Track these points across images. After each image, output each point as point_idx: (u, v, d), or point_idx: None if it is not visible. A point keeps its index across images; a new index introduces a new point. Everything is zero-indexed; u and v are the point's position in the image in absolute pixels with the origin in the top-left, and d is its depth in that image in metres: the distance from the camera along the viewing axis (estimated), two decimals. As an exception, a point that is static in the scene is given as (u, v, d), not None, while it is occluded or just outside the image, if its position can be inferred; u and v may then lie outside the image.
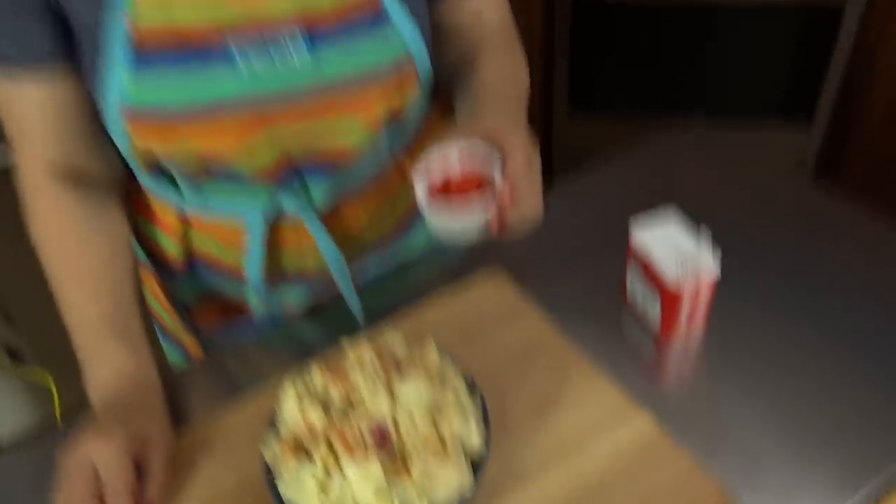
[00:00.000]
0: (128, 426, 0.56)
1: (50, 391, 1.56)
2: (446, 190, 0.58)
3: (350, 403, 0.52)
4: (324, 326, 0.75)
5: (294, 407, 0.52)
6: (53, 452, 0.56)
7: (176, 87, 0.56)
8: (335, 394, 0.51)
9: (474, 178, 0.57)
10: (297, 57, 0.58)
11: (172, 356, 0.84)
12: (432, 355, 0.55)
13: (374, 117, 0.63)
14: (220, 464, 0.60)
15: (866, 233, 0.79)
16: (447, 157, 0.58)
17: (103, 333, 0.62)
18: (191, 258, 0.73)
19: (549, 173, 0.66)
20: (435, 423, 0.50)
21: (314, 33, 0.58)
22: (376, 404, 0.50)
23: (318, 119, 0.61)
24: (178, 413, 0.65)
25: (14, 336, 1.56)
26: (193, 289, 0.75)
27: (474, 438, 0.51)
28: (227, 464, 0.60)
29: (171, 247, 0.72)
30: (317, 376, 0.53)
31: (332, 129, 0.63)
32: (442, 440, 0.50)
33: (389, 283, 0.78)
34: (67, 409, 1.49)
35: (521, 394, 0.62)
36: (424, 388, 0.51)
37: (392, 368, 0.53)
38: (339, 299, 0.75)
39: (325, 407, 0.52)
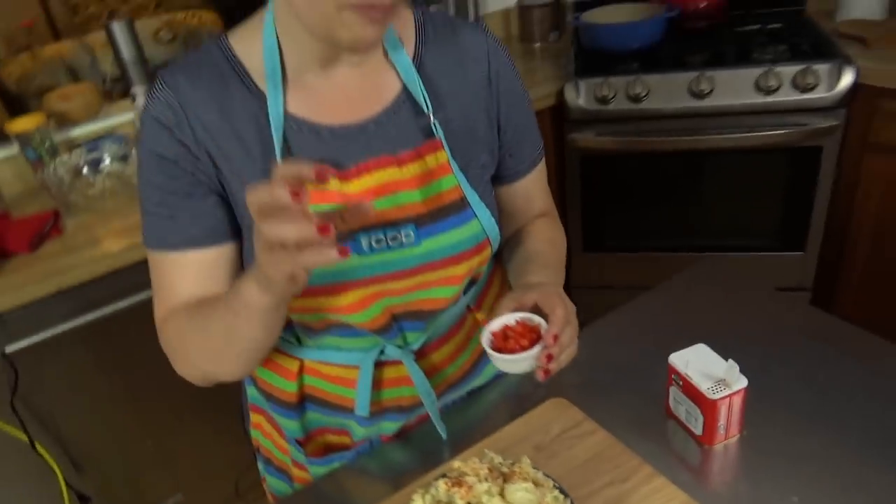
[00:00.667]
0: None
1: None
2: (506, 340, 0.75)
3: (470, 505, 0.65)
4: (412, 449, 0.88)
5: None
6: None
7: (319, 270, 0.74)
8: (459, 501, 0.64)
9: (528, 333, 0.75)
10: (408, 245, 0.77)
11: (277, 486, 0.97)
12: (528, 467, 0.69)
13: (459, 282, 0.82)
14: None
15: (864, 347, 0.94)
16: (508, 319, 0.75)
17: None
18: (303, 396, 0.88)
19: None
20: (539, 517, 0.63)
21: (420, 226, 0.77)
22: (493, 504, 0.64)
23: (419, 287, 0.80)
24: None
25: (84, 484, 1.67)
26: (302, 423, 0.90)
27: (569, 526, 0.64)
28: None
29: (287, 387, 0.87)
30: (442, 487, 0.67)
31: (429, 293, 0.80)
32: (545, 530, 0.63)
33: (466, 411, 0.92)
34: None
35: (594, 497, 0.75)
36: (530, 491, 0.64)
37: (500, 478, 0.67)
38: (424, 424, 0.89)
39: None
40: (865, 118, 1.83)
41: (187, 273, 0.76)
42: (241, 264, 0.79)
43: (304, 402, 0.89)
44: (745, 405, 0.80)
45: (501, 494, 0.65)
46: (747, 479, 0.78)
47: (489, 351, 0.74)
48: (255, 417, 0.98)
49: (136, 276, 1.50)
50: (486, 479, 0.66)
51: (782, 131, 1.85)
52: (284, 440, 0.93)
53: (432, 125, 0.78)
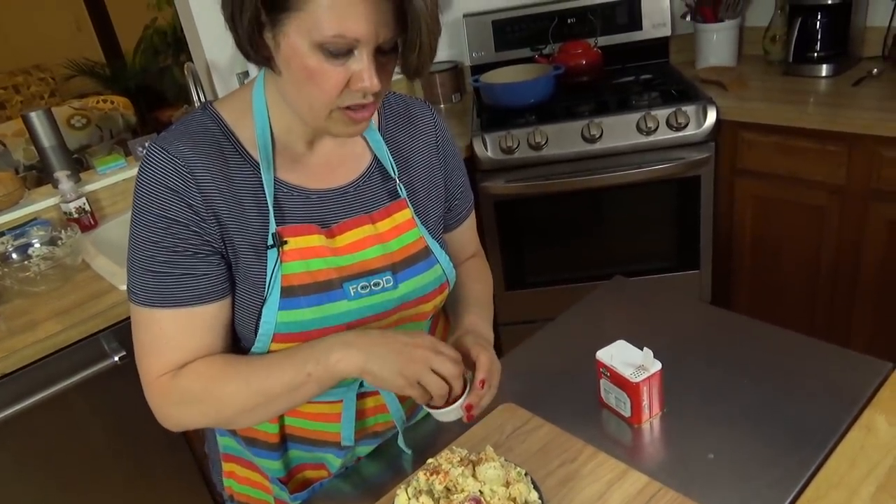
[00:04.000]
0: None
1: None
2: None
3: (448, 490, 0.75)
4: (383, 465, 0.98)
5: (410, 500, 0.75)
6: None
7: (311, 314, 0.84)
8: (438, 485, 0.75)
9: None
10: (387, 289, 0.89)
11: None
12: (492, 453, 0.81)
13: (427, 317, 0.94)
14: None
15: (757, 331, 1.12)
16: None
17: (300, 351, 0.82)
18: (284, 437, 0.96)
19: (497, 346, 1.01)
20: (509, 490, 0.75)
21: (395, 271, 0.89)
22: (468, 485, 0.74)
23: (396, 325, 0.91)
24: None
25: None
26: (284, 462, 0.97)
27: (534, 497, 0.76)
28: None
29: (270, 429, 0.95)
30: (421, 477, 0.77)
31: (403, 329, 0.92)
32: (515, 500, 0.74)
33: (428, 427, 1.03)
34: None
35: (550, 477, 0.87)
36: (498, 468, 0.76)
37: (470, 465, 0.78)
38: (389, 443, 0.99)
39: (432, 496, 0.75)
40: (731, 148, 2.11)
41: (193, 327, 0.82)
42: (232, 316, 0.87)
43: (285, 441, 0.97)
44: (662, 385, 0.96)
45: (474, 476, 0.76)
46: (671, 446, 0.92)
47: (426, 408, 0.85)
48: (227, 466, 1.04)
49: (75, 357, 1.51)
50: (459, 465, 0.77)
51: (664, 165, 2.10)
52: (267, 481, 0.99)
53: (398, 188, 0.93)
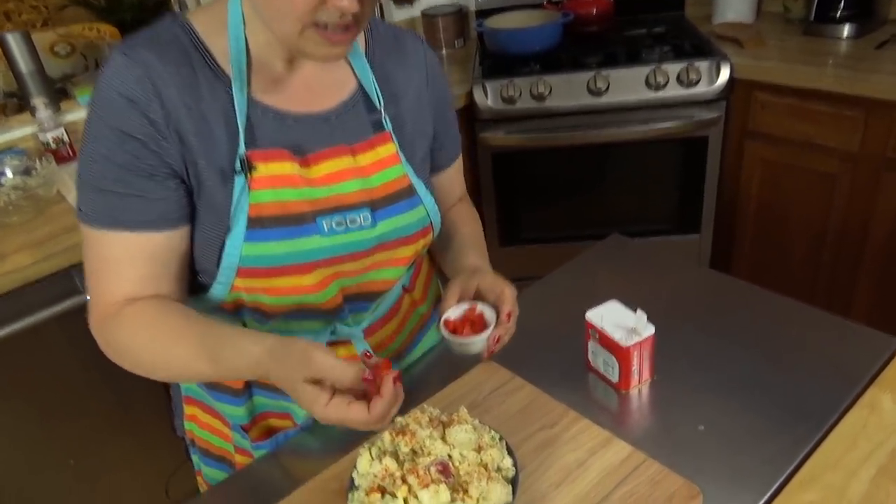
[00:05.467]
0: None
1: None
2: (463, 325, 0.85)
3: (415, 452, 0.70)
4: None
5: (373, 462, 0.69)
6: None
7: (279, 248, 0.77)
8: (404, 447, 0.69)
9: (475, 320, 0.85)
10: (365, 227, 0.81)
11: (216, 476, 0.98)
12: (466, 415, 0.75)
13: (406, 263, 0.87)
14: (304, 533, 0.75)
15: (755, 298, 1.06)
16: (458, 309, 0.85)
17: (230, 335, 0.74)
18: (248, 382, 0.90)
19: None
20: (480, 456, 0.69)
21: (374, 208, 0.82)
22: (436, 448, 0.69)
23: (372, 268, 0.85)
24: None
25: None
26: (248, 408, 0.92)
27: (507, 463, 0.70)
28: (310, 532, 0.75)
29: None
30: (386, 438, 0.71)
31: (379, 273, 0.85)
32: (486, 467, 0.68)
33: (406, 381, 0.96)
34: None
35: (527, 441, 0.82)
36: (469, 432, 0.70)
37: (440, 425, 0.72)
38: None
39: (397, 458, 0.70)
40: (743, 109, 2.02)
41: (138, 256, 0.75)
42: (191, 247, 0.80)
43: (250, 387, 0.91)
44: (654, 351, 0.89)
45: (444, 439, 0.70)
46: (660, 416, 0.87)
47: (445, 334, 0.83)
48: (189, 409, 0.98)
49: (47, 290, 1.46)
50: (429, 426, 0.71)
51: (672, 123, 2.01)
52: (227, 427, 0.94)
53: (383, 119, 0.85)
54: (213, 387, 0.91)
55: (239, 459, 0.94)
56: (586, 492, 0.75)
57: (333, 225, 0.80)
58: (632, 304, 0.91)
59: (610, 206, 2.24)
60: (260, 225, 0.77)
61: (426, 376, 0.98)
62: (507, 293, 0.84)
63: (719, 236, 2.23)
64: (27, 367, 1.53)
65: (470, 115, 2.09)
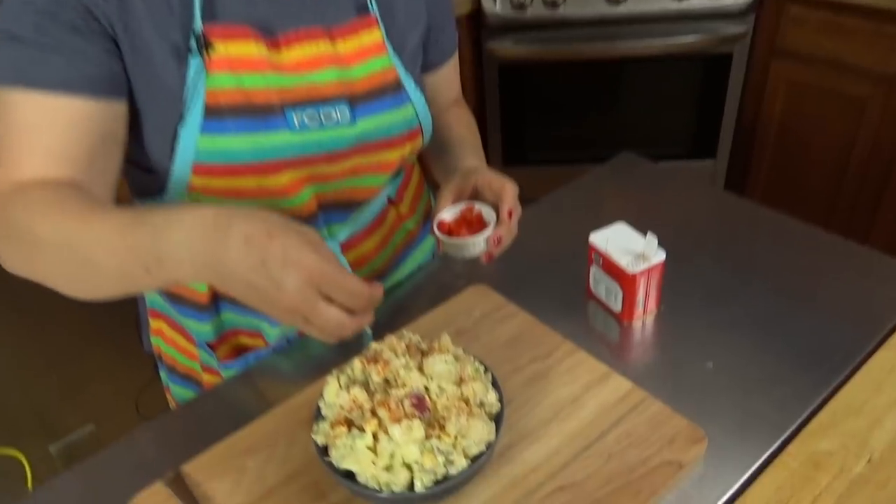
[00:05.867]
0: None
1: (21, 465, 1.57)
2: (454, 228, 0.77)
3: (388, 383, 0.62)
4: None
5: (340, 391, 0.62)
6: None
7: (241, 143, 0.67)
8: (375, 376, 0.62)
9: (473, 221, 0.77)
10: (343, 123, 0.71)
11: (183, 395, 0.92)
12: (448, 343, 0.67)
13: (390, 169, 0.78)
14: (266, 463, 0.68)
15: (773, 224, 0.96)
16: (453, 209, 0.77)
17: (156, 214, 0.55)
18: (215, 296, 0.82)
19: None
20: (461, 389, 0.61)
21: (354, 103, 0.72)
22: (412, 379, 0.61)
23: (352, 173, 0.75)
24: (211, 431, 0.73)
25: None
26: (215, 325, 0.84)
27: (492, 397, 0.63)
28: (273, 462, 0.68)
29: (199, 287, 0.81)
30: (357, 366, 0.63)
31: (360, 180, 0.76)
32: (467, 402, 0.61)
33: (388, 301, 0.89)
34: (38, 482, 1.51)
35: (517, 374, 0.74)
36: (449, 362, 0.62)
37: (418, 354, 0.65)
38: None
39: (367, 388, 0.62)
40: (772, 24, 1.86)
41: (52, 124, 0.62)
42: (130, 138, 0.70)
43: (216, 302, 0.83)
44: (662, 280, 0.81)
45: (420, 370, 0.63)
46: (664, 350, 0.79)
47: (440, 235, 0.74)
48: (154, 323, 0.91)
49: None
50: (404, 355, 0.64)
51: (694, 37, 1.86)
52: (193, 345, 0.87)
53: (369, 1, 0.73)
54: (177, 300, 0.84)
55: (206, 379, 0.88)
56: (579, 430, 0.68)
57: (305, 119, 0.70)
58: (641, 228, 0.82)
59: (622, 127, 2.11)
60: (218, 115, 0.66)
61: (411, 299, 0.90)
62: (508, 190, 0.75)
63: (735, 162, 2.11)
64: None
65: (475, 23, 1.94)
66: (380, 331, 0.83)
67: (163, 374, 0.94)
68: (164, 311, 0.88)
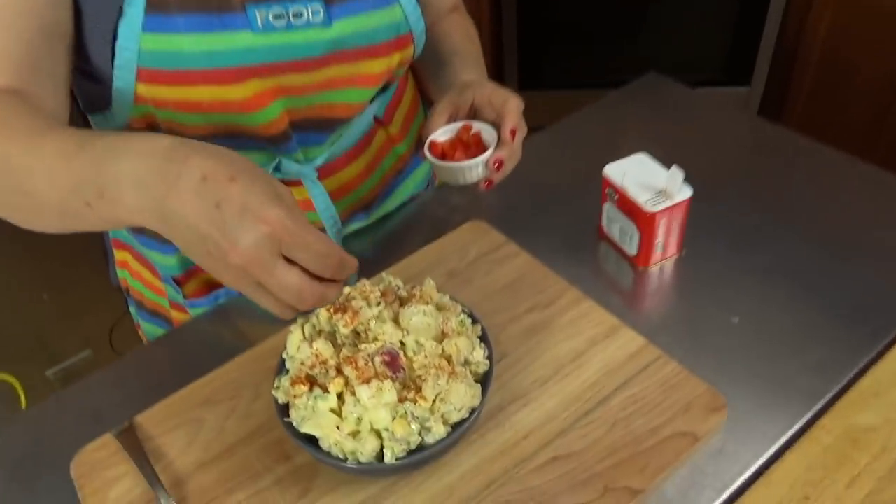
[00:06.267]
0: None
1: (14, 389, 1.55)
2: (449, 150, 0.67)
3: (357, 336, 0.53)
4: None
5: (303, 343, 0.53)
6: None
7: (192, 44, 0.57)
8: (343, 328, 0.53)
9: (471, 142, 0.68)
10: (315, 24, 0.60)
11: (153, 332, 0.84)
12: (432, 290, 0.57)
13: (375, 83, 0.67)
14: (227, 417, 0.61)
15: (811, 157, 0.84)
16: (449, 129, 0.68)
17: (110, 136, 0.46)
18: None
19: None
20: (442, 346, 0.53)
21: (330, 2, 0.60)
22: (385, 333, 0.52)
23: (328, 86, 0.64)
24: (174, 375, 0.65)
25: None
26: (180, 258, 0.76)
27: (479, 356, 0.54)
28: (234, 417, 0.61)
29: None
30: (323, 315, 0.55)
31: (338, 95, 0.65)
32: (449, 360, 0.52)
33: (374, 237, 0.80)
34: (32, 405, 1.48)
35: (513, 324, 0.65)
36: (428, 314, 0.53)
37: (395, 303, 0.56)
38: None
39: (334, 341, 0.54)
40: (825, -69, 1.66)
41: None
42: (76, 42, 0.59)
43: None
44: (686, 221, 0.70)
45: (396, 321, 0.54)
46: (684, 301, 0.69)
47: (432, 159, 0.66)
48: (119, 255, 0.83)
49: None
50: (379, 303, 0.55)
51: (736, -54, 1.67)
52: (159, 279, 0.79)
53: None
54: (138, 230, 0.75)
55: (175, 316, 0.80)
56: (579, 392, 0.59)
57: (270, 18, 0.59)
58: (664, 160, 0.71)
59: (648, 48, 1.94)
60: (163, 9, 0.56)
61: (400, 235, 0.80)
62: (512, 105, 0.65)
63: (771, 91, 1.94)
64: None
65: (493, -73, 1.76)
66: (364, 270, 0.74)
67: (132, 309, 0.87)
68: (127, 241, 0.80)
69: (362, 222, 0.79)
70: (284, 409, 0.54)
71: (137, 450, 0.59)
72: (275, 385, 0.55)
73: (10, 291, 1.56)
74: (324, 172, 0.72)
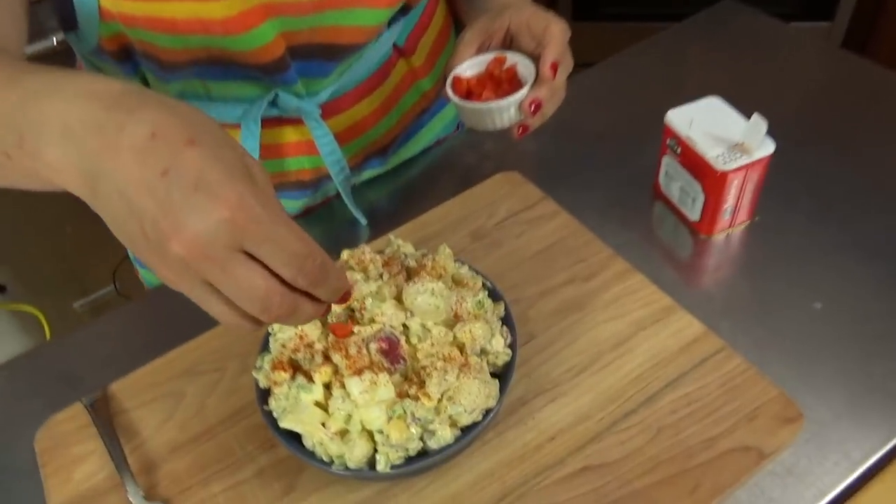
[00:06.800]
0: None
1: (38, 321, 1.54)
2: (476, 88, 0.56)
3: (352, 316, 0.44)
4: (313, 235, 0.67)
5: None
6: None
7: None
8: (335, 307, 0.44)
9: (504, 78, 0.56)
10: None
11: (150, 279, 0.77)
12: (447, 259, 0.48)
13: (389, 3, 0.55)
14: (210, 392, 0.53)
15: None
16: (477, 61, 0.57)
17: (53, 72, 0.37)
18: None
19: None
20: (453, 332, 0.43)
21: None
22: (383, 314, 0.43)
23: (330, 4, 0.53)
24: (164, 333, 0.58)
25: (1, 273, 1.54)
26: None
27: (498, 345, 0.44)
28: (218, 392, 0.53)
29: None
30: (312, 284, 0.45)
31: (343, 16, 0.54)
32: (461, 350, 0.43)
33: (389, 188, 0.70)
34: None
35: (545, 299, 0.55)
36: (437, 294, 0.43)
37: (401, 275, 0.46)
38: (334, 204, 0.68)
39: (324, 320, 0.44)
40: None
41: None
42: None
43: None
44: (763, 182, 0.58)
45: (399, 299, 0.44)
46: (755, 280, 0.57)
47: (455, 99, 0.55)
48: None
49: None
50: (381, 276, 0.45)
51: None
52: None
53: None
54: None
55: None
56: (619, 388, 0.49)
57: None
58: (741, 106, 0.58)
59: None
60: None
61: (420, 186, 0.70)
62: (555, 31, 0.54)
63: (856, 26, 1.73)
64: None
65: None
66: (376, 226, 0.65)
67: (131, 253, 0.79)
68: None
69: (377, 169, 0.69)
70: (265, 395, 0.45)
71: (108, 425, 0.52)
72: (256, 364, 0.46)
73: (31, 225, 1.52)
74: (330, 110, 0.62)
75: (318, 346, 0.43)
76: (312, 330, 0.43)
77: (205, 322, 0.58)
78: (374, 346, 0.41)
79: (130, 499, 0.47)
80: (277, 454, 0.49)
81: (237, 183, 0.31)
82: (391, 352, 0.42)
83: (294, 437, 0.43)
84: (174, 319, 0.61)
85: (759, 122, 0.53)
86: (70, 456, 0.51)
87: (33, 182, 0.38)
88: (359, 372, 0.41)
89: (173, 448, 0.50)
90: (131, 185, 0.31)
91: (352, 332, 0.42)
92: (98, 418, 0.52)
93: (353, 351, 0.41)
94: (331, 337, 0.42)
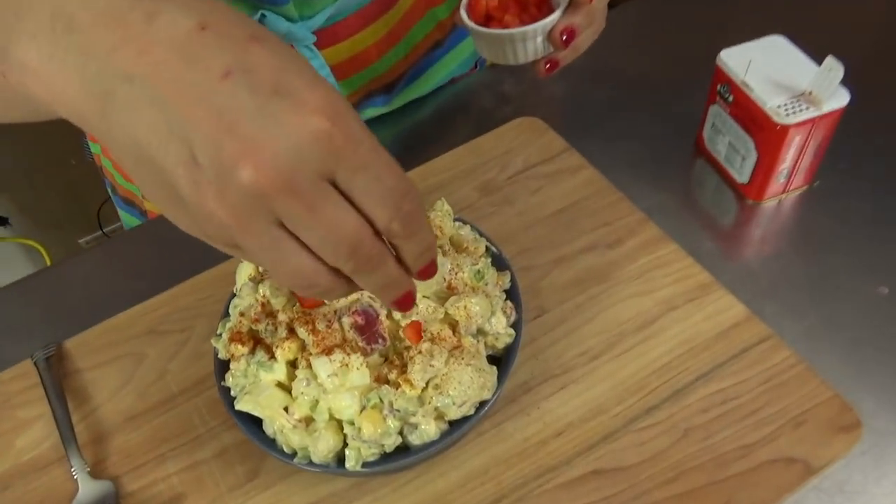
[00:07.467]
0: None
1: (39, 252, 1.51)
2: (496, 12, 0.46)
3: (326, 279, 0.37)
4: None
5: (247, 284, 0.37)
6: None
7: None
8: (304, 265, 0.36)
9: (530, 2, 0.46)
10: None
11: (129, 221, 0.71)
12: (444, 218, 0.40)
13: None
14: (172, 355, 0.47)
15: None
16: None
17: None
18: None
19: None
20: (444, 307, 0.36)
21: None
22: (361, 280, 0.36)
23: None
24: (135, 281, 0.52)
25: (2, 206, 1.50)
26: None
27: (499, 324, 0.37)
28: (181, 356, 0.47)
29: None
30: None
31: None
32: (453, 329, 0.35)
33: (393, 129, 0.62)
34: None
35: (561, 268, 0.47)
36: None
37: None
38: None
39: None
40: None
41: None
42: None
43: None
44: (831, 140, 0.49)
45: (383, 263, 0.37)
46: (808, 256, 0.49)
47: (470, 23, 0.45)
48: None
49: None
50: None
51: None
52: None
53: None
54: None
55: (150, 206, 0.66)
56: (642, 377, 0.42)
57: None
58: (809, 48, 0.49)
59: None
60: None
61: (429, 129, 0.61)
62: None
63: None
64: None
65: None
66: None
67: (110, 192, 0.73)
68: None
69: (380, 108, 0.61)
70: (225, 368, 0.39)
71: (57, 387, 0.46)
72: (217, 330, 0.40)
73: (37, 159, 1.47)
74: (326, 37, 0.53)
75: (283, 318, 0.36)
76: (276, 297, 0.36)
77: (180, 273, 0.53)
78: (347, 321, 0.34)
79: (74, 475, 0.41)
80: (243, 434, 0.43)
81: (330, 90, 0.23)
82: (368, 328, 0.34)
83: (255, 421, 0.37)
84: (145, 268, 0.55)
85: (833, 67, 0.44)
86: (14, 420, 0.45)
87: (20, 109, 0.29)
88: (328, 351, 0.34)
89: (128, 417, 0.44)
90: (174, 92, 0.22)
91: (322, 303, 0.35)
92: (47, 378, 0.46)
93: (321, 325, 0.34)
94: (297, 306, 0.35)
